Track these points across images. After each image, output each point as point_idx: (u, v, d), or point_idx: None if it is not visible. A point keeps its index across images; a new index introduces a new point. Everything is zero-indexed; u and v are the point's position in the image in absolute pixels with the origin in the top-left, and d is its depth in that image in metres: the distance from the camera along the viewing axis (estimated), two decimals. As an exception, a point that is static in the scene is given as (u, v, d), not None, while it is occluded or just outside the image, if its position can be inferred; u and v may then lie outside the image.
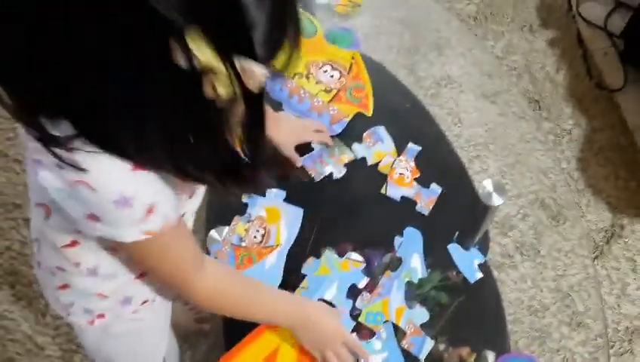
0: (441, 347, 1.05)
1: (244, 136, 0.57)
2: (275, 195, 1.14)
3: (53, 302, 0.92)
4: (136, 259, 0.77)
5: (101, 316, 0.90)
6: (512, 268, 1.66)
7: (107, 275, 0.83)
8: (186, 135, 0.54)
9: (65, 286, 0.86)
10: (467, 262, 1.09)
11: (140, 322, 0.94)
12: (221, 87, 0.49)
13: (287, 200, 1.14)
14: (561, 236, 1.80)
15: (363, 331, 1.02)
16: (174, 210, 0.69)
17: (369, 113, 1.25)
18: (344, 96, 1.25)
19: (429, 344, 1.01)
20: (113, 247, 0.78)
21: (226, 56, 0.48)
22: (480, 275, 1.09)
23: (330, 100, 1.25)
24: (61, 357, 1.48)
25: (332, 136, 1.21)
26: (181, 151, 0.56)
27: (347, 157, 1.19)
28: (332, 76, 1.27)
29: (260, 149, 0.60)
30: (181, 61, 0.47)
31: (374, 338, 1.01)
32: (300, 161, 1.17)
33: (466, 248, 1.12)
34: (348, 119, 1.23)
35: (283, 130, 1.15)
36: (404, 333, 1.02)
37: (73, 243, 0.78)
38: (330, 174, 1.16)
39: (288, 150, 1.16)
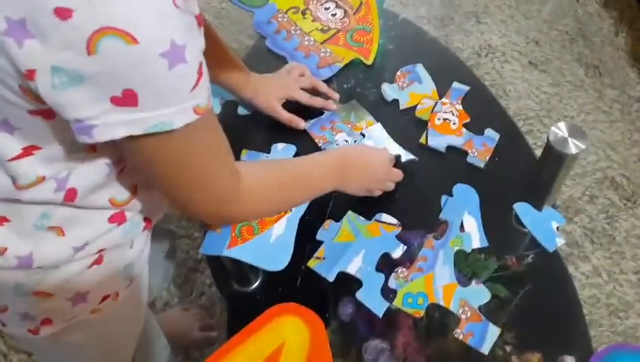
0: (507, 348, 0.76)
1: None
2: (283, 150, 0.89)
3: None
4: (169, 171, 0.55)
5: (47, 322, 0.65)
6: (582, 260, 1.37)
7: (46, 264, 0.59)
8: None
9: None
10: (542, 224, 0.81)
11: (103, 326, 0.69)
12: None
13: (299, 156, 0.88)
14: None
15: (400, 318, 0.75)
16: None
17: (369, 61, 1.01)
18: (343, 39, 1.03)
19: (493, 332, 0.73)
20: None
21: None
22: (561, 241, 0.81)
23: (325, 41, 1.02)
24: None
25: (347, 102, 0.95)
26: None
27: (366, 123, 0.93)
28: (334, 15, 1.05)
29: None
30: None
31: None
32: (301, 122, 0.92)
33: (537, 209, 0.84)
34: (340, 64, 1.00)
35: (260, 91, 0.91)
36: (458, 319, 0.74)
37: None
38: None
39: (273, 111, 0.92)
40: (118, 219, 0.62)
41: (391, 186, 0.83)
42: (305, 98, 0.92)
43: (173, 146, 0.51)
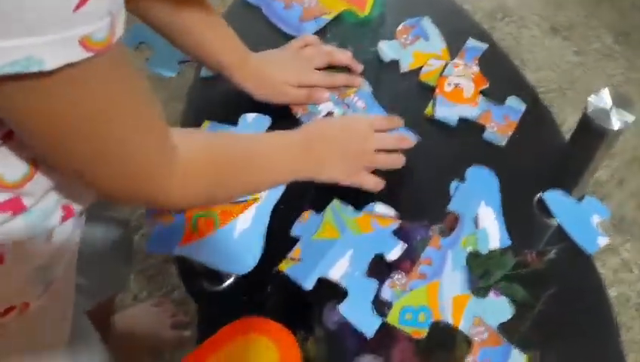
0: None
1: None
2: (254, 122, 0.72)
3: None
4: (53, 139, 0.39)
5: None
6: (609, 253, 1.20)
7: None
8: None
9: None
10: (580, 218, 0.64)
11: (6, 346, 0.53)
12: None
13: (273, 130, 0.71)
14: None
15: (394, 336, 0.58)
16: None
17: (363, 13, 0.83)
18: None
19: (518, 359, 0.56)
20: None
21: None
22: (605, 241, 0.64)
23: None
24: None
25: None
26: None
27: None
28: None
29: None
30: None
31: None
32: (324, 92, 0.74)
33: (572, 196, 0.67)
34: (328, 17, 0.82)
35: (265, 77, 0.72)
36: (469, 343, 0.57)
37: None
38: (329, 115, 0.73)
39: (285, 97, 0.73)
40: (11, 206, 0.45)
41: (386, 160, 0.65)
42: (322, 80, 0.73)
43: (52, 100, 0.34)
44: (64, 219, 0.50)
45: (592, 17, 1.49)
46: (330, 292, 0.61)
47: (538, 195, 0.69)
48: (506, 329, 0.59)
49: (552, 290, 0.64)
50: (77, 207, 0.51)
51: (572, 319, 0.63)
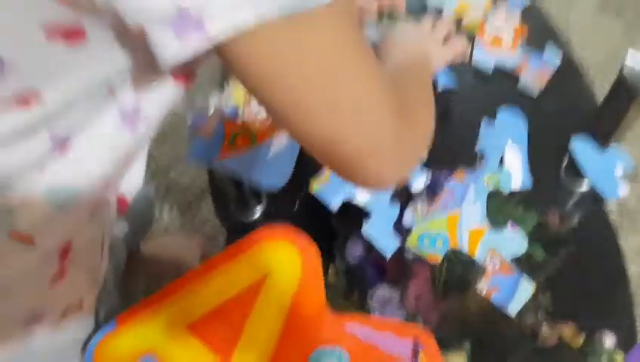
0: (539, 315, 0.63)
1: None
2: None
3: None
4: (310, 91, 0.34)
5: None
6: (633, 232, 1.20)
7: None
8: None
9: None
10: (604, 166, 0.65)
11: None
12: None
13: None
14: None
15: (416, 266, 0.62)
16: None
17: None
18: None
19: (526, 289, 0.59)
20: None
21: None
22: (625, 190, 0.65)
23: None
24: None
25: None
26: None
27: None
28: None
29: None
30: None
31: None
32: None
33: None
34: None
35: None
36: (483, 270, 0.60)
37: None
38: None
39: None
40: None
41: (444, 25, 0.65)
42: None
43: (316, 42, 0.32)
44: (119, 213, 0.48)
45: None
46: (355, 225, 0.64)
47: (566, 160, 0.70)
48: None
49: (570, 255, 0.66)
50: (129, 196, 0.49)
51: (586, 280, 0.64)
